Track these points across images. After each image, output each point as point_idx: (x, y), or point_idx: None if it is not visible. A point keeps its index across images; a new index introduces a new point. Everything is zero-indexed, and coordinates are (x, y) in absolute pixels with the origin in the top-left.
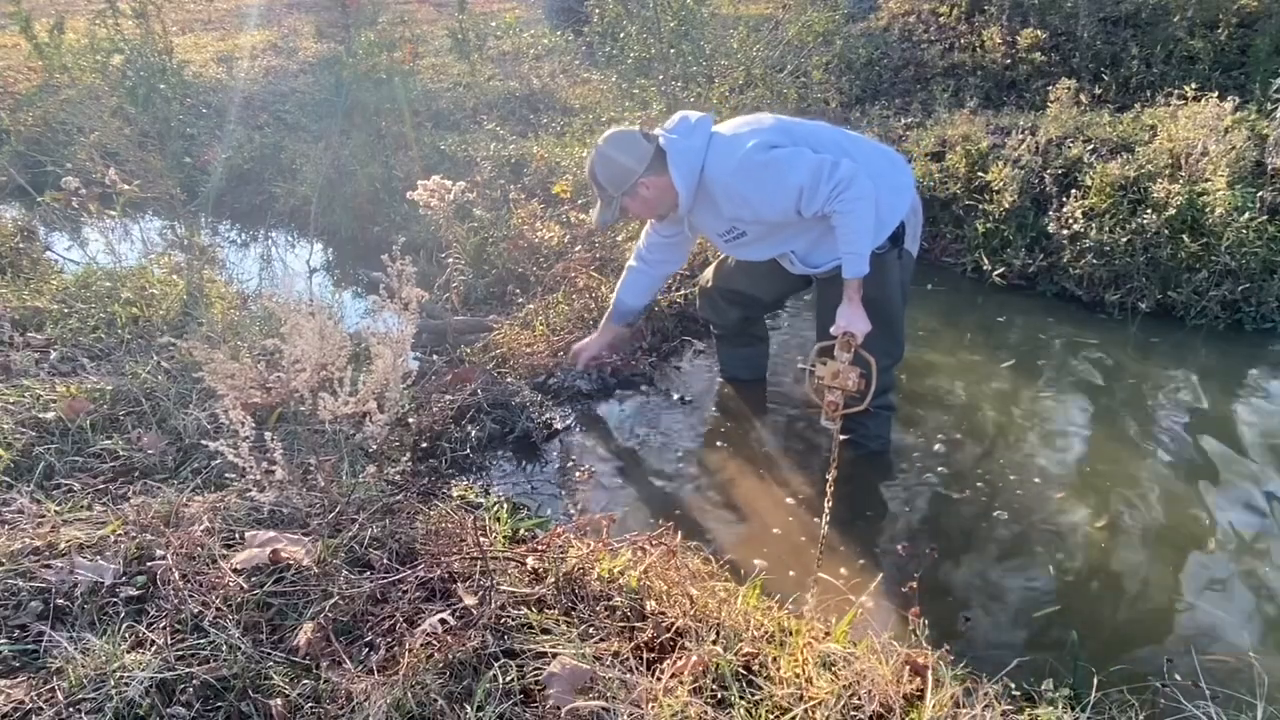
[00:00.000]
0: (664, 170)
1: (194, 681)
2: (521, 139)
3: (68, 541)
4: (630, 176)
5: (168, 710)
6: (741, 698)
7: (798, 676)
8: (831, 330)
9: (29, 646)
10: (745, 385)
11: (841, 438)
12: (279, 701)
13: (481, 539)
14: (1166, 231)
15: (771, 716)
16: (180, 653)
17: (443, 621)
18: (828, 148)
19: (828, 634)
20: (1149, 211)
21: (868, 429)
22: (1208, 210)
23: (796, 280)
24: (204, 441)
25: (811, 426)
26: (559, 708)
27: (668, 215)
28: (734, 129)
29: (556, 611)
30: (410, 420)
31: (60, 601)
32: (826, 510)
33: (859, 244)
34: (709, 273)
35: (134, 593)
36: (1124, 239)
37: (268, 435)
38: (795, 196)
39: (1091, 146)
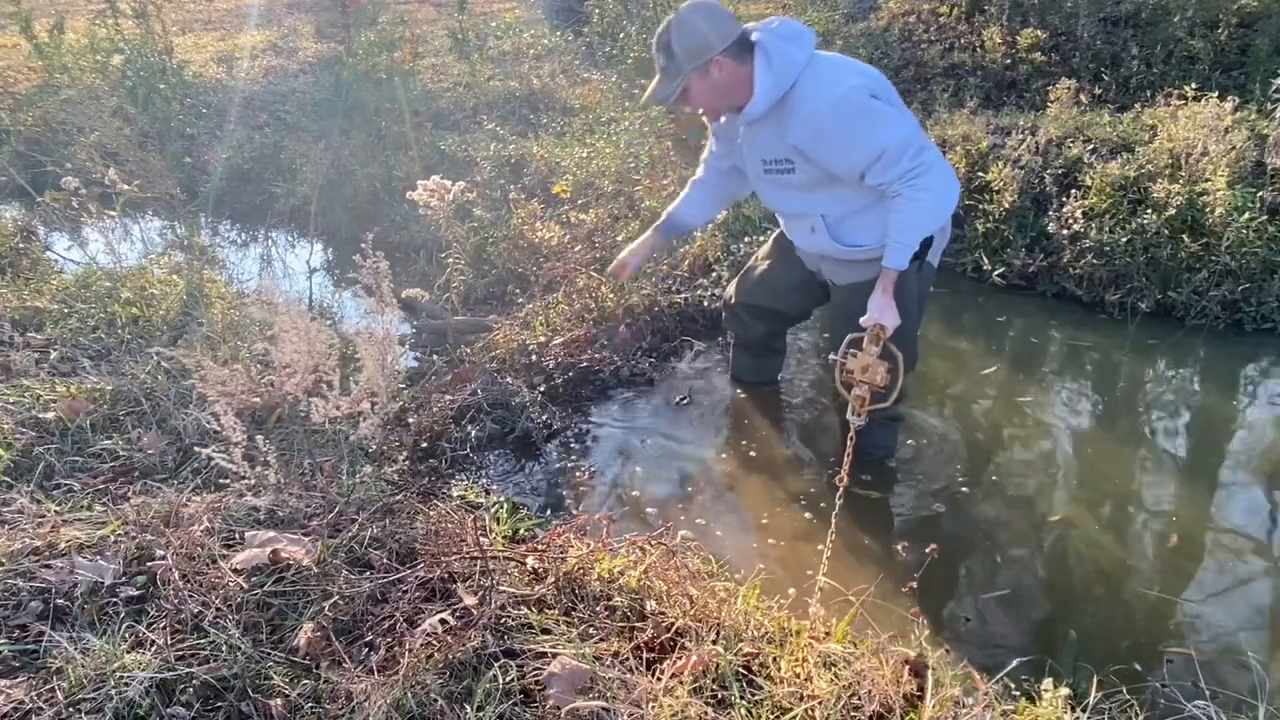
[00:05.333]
0: (745, 61)
1: (194, 681)
2: (521, 139)
3: (68, 541)
4: (709, 51)
5: (168, 710)
6: (741, 698)
7: (798, 676)
8: (861, 321)
9: (29, 646)
10: (749, 387)
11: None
12: (279, 701)
13: (481, 539)
14: (1166, 231)
15: (771, 716)
16: (180, 653)
17: (443, 621)
18: (914, 126)
19: (828, 634)
20: (1149, 211)
21: (874, 438)
22: (1208, 210)
23: (819, 293)
24: (197, 448)
25: (812, 427)
26: (559, 708)
27: (725, 116)
28: (837, 58)
29: (556, 611)
30: (410, 420)
31: (60, 601)
32: (835, 516)
33: (910, 234)
34: (731, 288)
35: (134, 593)
36: (1124, 239)
37: (260, 439)
38: (873, 157)
39: (1091, 146)
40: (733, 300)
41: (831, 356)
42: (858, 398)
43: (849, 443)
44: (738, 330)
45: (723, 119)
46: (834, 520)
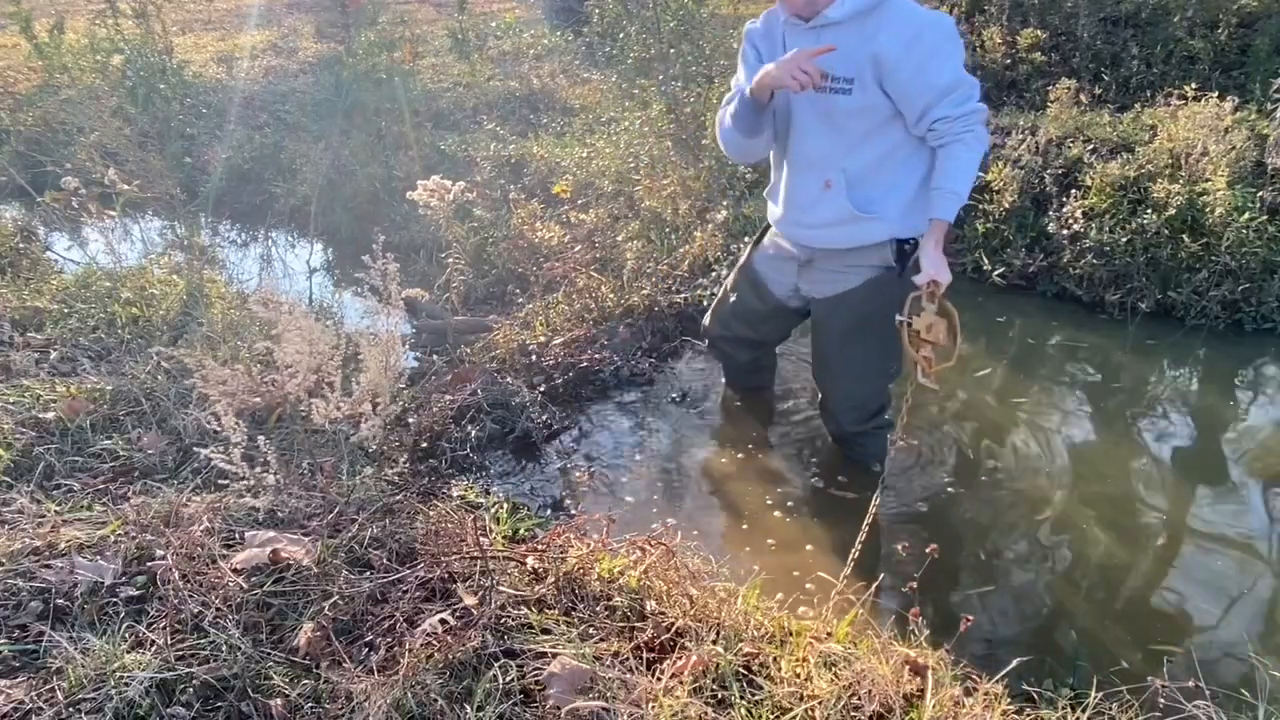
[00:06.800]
0: None
1: (194, 681)
2: (521, 139)
3: (68, 541)
4: None
5: (168, 710)
6: (741, 698)
7: (798, 676)
8: (916, 279)
9: (29, 646)
10: (745, 391)
11: (840, 447)
12: (279, 701)
13: (481, 539)
14: (1166, 231)
15: (771, 716)
16: (180, 653)
17: (443, 621)
18: None
19: (828, 634)
20: (1149, 211)
21: (866, 449)
22: (1208, 210)
23: (794, 317)
24: (197, 448)
25: (810, 428)
26: (559, 708)
27: (795, 17)
28: None
29: (556, 611)
30: (410, 420)
31: (60, 601)
32: (870, 516)
33: (964, 184)
34: (708, 320)
35: (134, 593)
36: (1124, 239)
37: (260, 440)
38: (951, 85)
39: (1091, 146)
40: (712, 333)
41: (899, 318)
42: (925, 359)
43: (889, 449)
44: (722, 360)
45: (777, 28)
46: (871, 514)
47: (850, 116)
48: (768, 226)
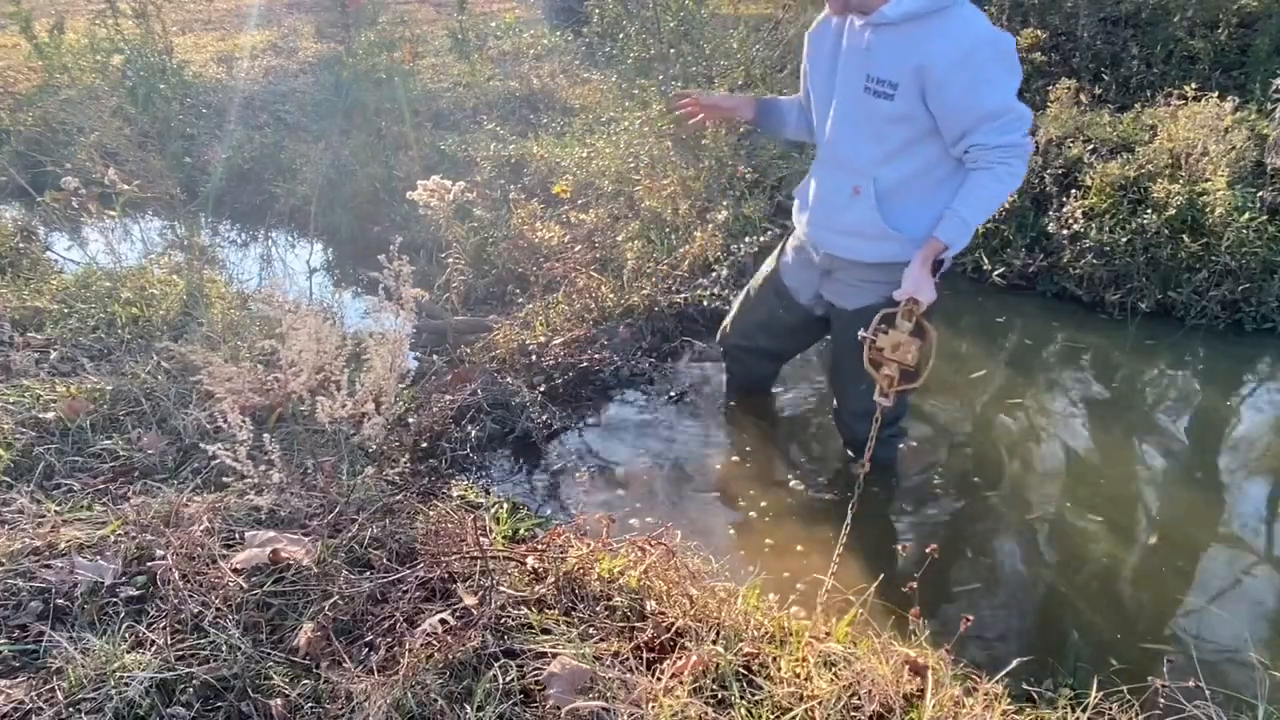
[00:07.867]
0: None
1: (194, 681)
2: (521, 139)
3: (68, 541)
4: None
5: (168, 710)
6: (741, 698)
7: (798, 676)
8: (895, 295)
9: (29, 646)
10: (746, 391)
11: (850, 453)
12: (279, 701)
13: (481, 539)
14: (1166, 231)
15: (771, 717)
16: (180, 653)
17: (443, 621)
18: None
19: (828, 634)
20: (1149, 211)
21: (875, 454)
22: (1208, 210)
23: (819, 329)
24: (202, 445)
25: (810, 428)
26: (559, 708)
27: (850, 14)
28: None
29: (556, 611)
30: (410, 420)
31: (60, 601)
32: (849, 514)
33: (979, 213)
34: (728, 327)
35: (134, 593)
36: (1124, 239)
37: (266, 438)
38: (998, 110)
39: (1091, 146)
40: (732, 342)
41: (861, 333)
42: (886, 377)
43: (867, 450)
44: (738, 369)
45: (834, 21)
46: (850, 512)
47: (890, 123)
48: (787, 238)
